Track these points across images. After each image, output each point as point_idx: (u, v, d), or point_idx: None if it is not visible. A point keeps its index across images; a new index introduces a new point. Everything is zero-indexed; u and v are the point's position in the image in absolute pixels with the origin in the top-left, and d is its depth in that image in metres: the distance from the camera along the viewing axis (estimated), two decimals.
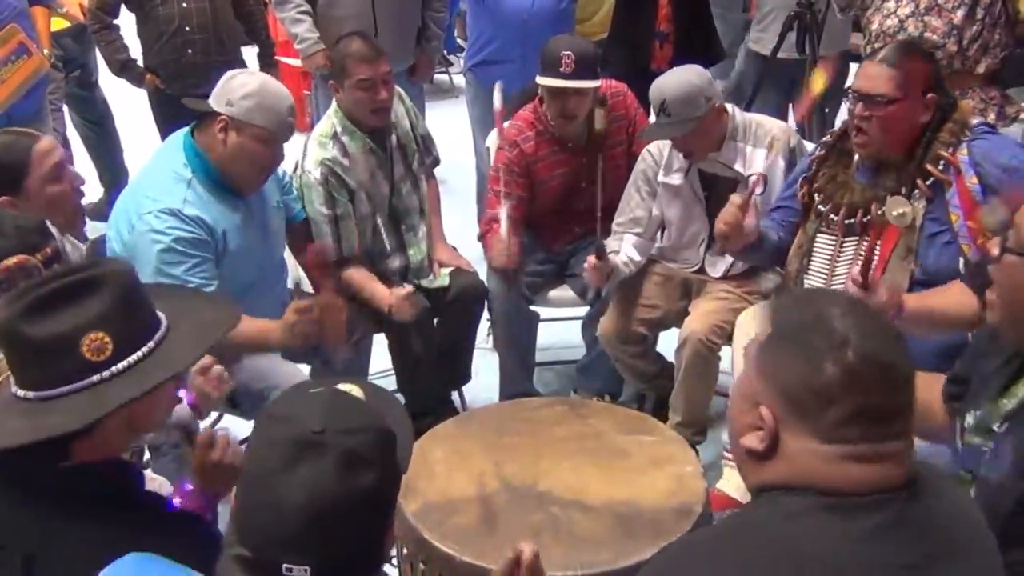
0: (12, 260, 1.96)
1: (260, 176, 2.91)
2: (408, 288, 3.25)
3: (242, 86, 2.80)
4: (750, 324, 3.06)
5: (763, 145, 3.17)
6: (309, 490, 1.33)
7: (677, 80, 3.09)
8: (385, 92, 3.25)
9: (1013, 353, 1.79)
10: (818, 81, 2.73)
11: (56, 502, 1.53)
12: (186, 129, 2.90)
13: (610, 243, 3.30)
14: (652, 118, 3.15)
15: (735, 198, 2.78)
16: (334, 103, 3.32)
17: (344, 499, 1.34)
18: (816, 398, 1.29)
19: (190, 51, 4.24)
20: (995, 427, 1.75)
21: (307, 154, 3.27)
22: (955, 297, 2.46)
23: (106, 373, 1.53)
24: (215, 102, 2.82)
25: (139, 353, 1.57)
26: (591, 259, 3.14)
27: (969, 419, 1.83)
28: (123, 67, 4.39)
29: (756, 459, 1.34)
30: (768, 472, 1.34)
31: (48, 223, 2.14)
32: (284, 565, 1.32)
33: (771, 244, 2.94)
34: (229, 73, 2.87)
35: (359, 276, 3.31)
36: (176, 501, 1.90)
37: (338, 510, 1.34)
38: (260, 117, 2.78)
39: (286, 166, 3.21)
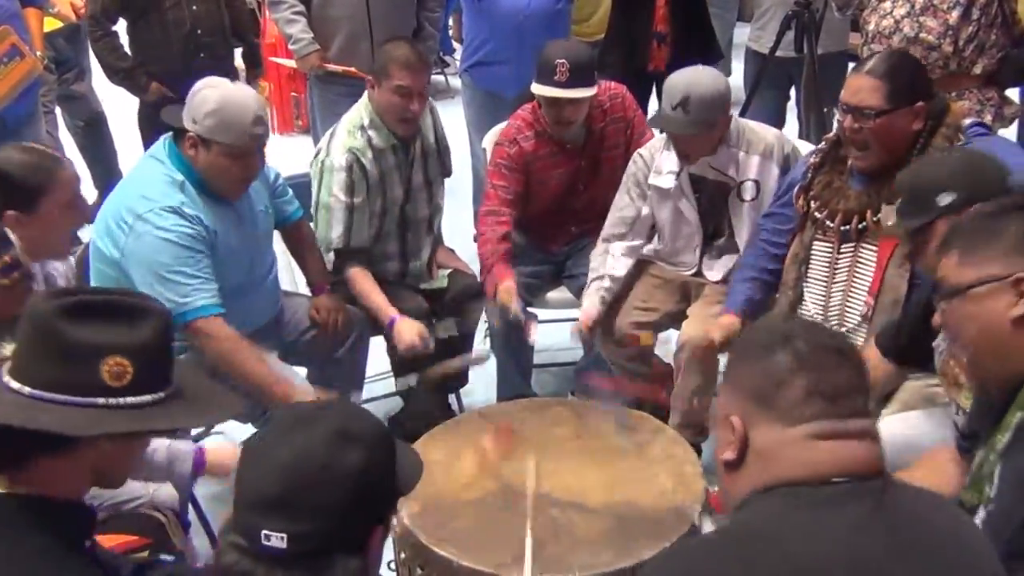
0: None
1: (240, 185, 2.90)
2: (421, 327, 3.20)
3: (203, 102, 2.77)
4: None
5: (756, 152, 3.16)
6: (295, 452, 1.39)
7: (707, 83, 3.05)
8: (418, 104, 3.24)
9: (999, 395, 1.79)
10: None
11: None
12: (166, 137, 2.88)
13: (594, 259, 3.30)
14: (664, 108, 3.11)
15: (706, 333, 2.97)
16: (365, 96, 3.31)
17: (328, 468, 1.37)
18: (771, 383, 1.38)
19: (202, 55, 4.19)
20: (987, 488, 1.74)
21: (334, 140, 3.26)
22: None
23: (112, 401, 1.50)
24: (185, 118, 2.81)
25: (149, 397, 1.53)
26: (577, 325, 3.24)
27: (973, 467, 1.83)
28: (126, 75, 4.29)
29: (732, 469, 1.41)
30: (745, 480, 1.39)
31: (8, 234, 2.09)
32: (263, 531, 1.35)
33: (754, 306, 3.00)
34: (195, 87, 2.83)
35: (364, 283, 3.28)
36: None
37: (320, 475, 1.37)
38: (223, 135, 2.76)
39: (293, 167, 3.19)
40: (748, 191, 3.18)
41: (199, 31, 4.22)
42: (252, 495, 1.39)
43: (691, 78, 3.06)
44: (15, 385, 1.50)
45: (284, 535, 1.35)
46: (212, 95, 2.78)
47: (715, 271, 3.31)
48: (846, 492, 1.33)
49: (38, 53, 4.12)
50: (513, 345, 3.61)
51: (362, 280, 3.28)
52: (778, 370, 1.38)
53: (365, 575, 1.43)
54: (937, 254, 1.81)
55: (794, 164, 3.14)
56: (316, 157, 3.30)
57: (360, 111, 3.29)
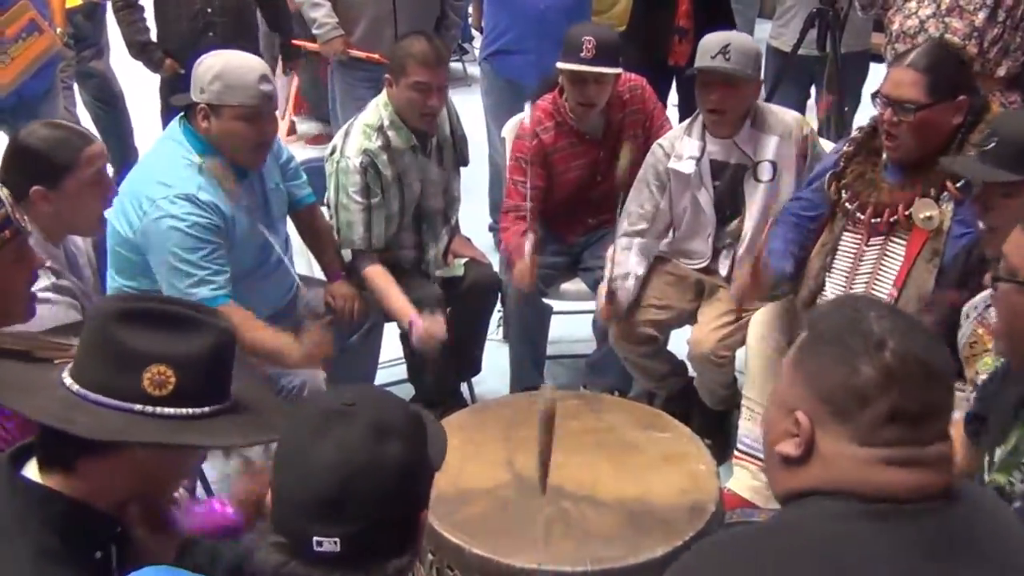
0: None
1: (257, 151, 2.89)
2: (440, 321, 3.17)
3: (208, 70, 2.78)
4: (764, 325, 3.05)
5: (775, 132, 3.16)
6: (339, 452, 1.35)
7: (743, 36, 3.15)
8: (437, 99, 3.22)
9: None
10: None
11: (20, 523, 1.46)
12: (180, 118, 2.89)
13: (618, 258, 3.26)
14: (702, 61, 3.08)
15: (747, 263, 2.87)
16: (384, 95, 3.29)
17: (373, 464, 1.35)
18: (853, 399, 1.27)
19: (211, 34, 4.20)
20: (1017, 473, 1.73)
21: (348, 141, 3.23)
22: None
23: (150, 409, 1.48)
24: (192, 91, 2.82)
25: (191, 410, 1.52)
26: (601, 295, 3.17)
27: (998, 452, 1.82)
28: (142, 49, 4.35)
29: (790, 465, 1.32)
30: (801, 478, 1.32)
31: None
32: (314, 538, 1.32)
33: (786, 277, 2.95)
34: (197, 62, 2.85)
35: (381, 280, 3.25)
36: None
37: (365, 473, 1.34)
38: (231, 96, 2.77)
39: (303, 152, 3.18)
40: (765, 172, 3.17)
41: (208, 10, 4.23)
42: (297, 501, 1.36)
43: (727, 33, 3.15)
44: (68, 382, 1.51)
45: (337, 540, 1.32)
46: (215, 62, 2.80)
47: (724, 266, 3.31)
48: (910, 512, 1.26)
49: (58, 30, 4.12)
50: (528, 335, 3.61)
51: (379, 279, 3.24)
52: (863, 384, 1.26)
53: (414, 565, 1.42)
54: (1021, 225, 1.71)
55: (814, 149, 3.13)
56: (331, 156, 3.28)
57: (379, 111, 3.26)
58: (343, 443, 1.36)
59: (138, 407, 1.48)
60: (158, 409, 1.49)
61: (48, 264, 2.37)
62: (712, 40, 3.09)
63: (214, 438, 1.55)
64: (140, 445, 1.48)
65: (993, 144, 2.21)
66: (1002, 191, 2.18)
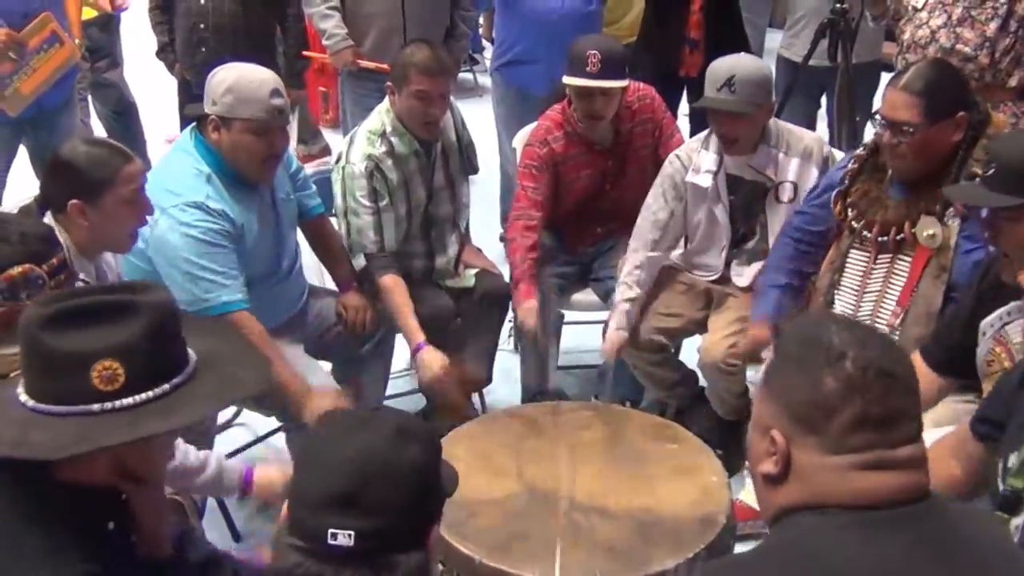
0: (17, 269, 1.92)
1: (267, 165, 2.89)
2: (445, 361, 3.16)
3: (220, 83, 2.80)
4: None
5: (796, 154, 3.16)
6: (359, 447, 1.41)
7: (750, 64, 3.11)
8: (439, 107, 3.23)
9: None
10: None
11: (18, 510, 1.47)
12: (191, 128, 2.91)
13: (629, 275, 3.27)
14: (708, 92, 3.10)
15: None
16: (386, 101, 3.30)
17: (393, 462, 1.40)
18: (819, 411, 1.32)
19: (203, 49, 4.26)
20: None
21: (353, 147, 3.25)
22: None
23: (108, 405, 1.45)
24: (205, 103, 2.84)
25: (148, 394, 1.49)
26: (610, 343, 3.23)
27: (1013, 458, 1.81)
28: (160, 50, 4.51)
29: (772, 483, 1.38)
30: (784, 495, 1.37)
31: (57, 235, 2.09)
32: (329, 531, 1.35)
33: (785, 308, 2.97)
34: (211, 73, 2.87)
35: (396, 296, 3.22)
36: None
37: (386, 470, 1.39)
38: (242, 109, 2.78)
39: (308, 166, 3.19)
40: (786, 192, 3.17)
41: (201, 25, 4.28)
42: (316, 494, 1.39)
43: (734, 60, 3.10)
44: (23, 398, 1.49)
45: (351, 532, 1.35)
46: (227, 74, 2.81)
47: (744, 277, 3.30)
48: (893, 517, 1.30)
49: (76, 40, 4.15)
50: (539, 345, 3.61)
51: (395, 293, 3.22)
52: (826, 396, 1.31)
53: (426, 571, 1.44)
54: None
55: (831, 168, 3.14)
56: (337, 163, 3.29)
57: (381, 117, 3.27)
58: (365, 441, 1.42)
59: (96, 407, 1.46)
60: (116, 403, 1.46)
61: (81, 277, 2.38)
62: (719, 70, 3.08)
63: (178, 417, 1.51)
64: (103, 449, 1.46)
65: (993, 170, 2.22)
66: (1007, 215, 2.18)
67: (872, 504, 1.30)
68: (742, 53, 3.19)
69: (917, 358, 2.43)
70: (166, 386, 1.50)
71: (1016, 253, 2.16)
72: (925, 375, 2.38)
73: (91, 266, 2.51)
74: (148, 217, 2.66)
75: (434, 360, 3.14)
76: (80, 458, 1.45)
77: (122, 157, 2.48)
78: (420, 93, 3.17)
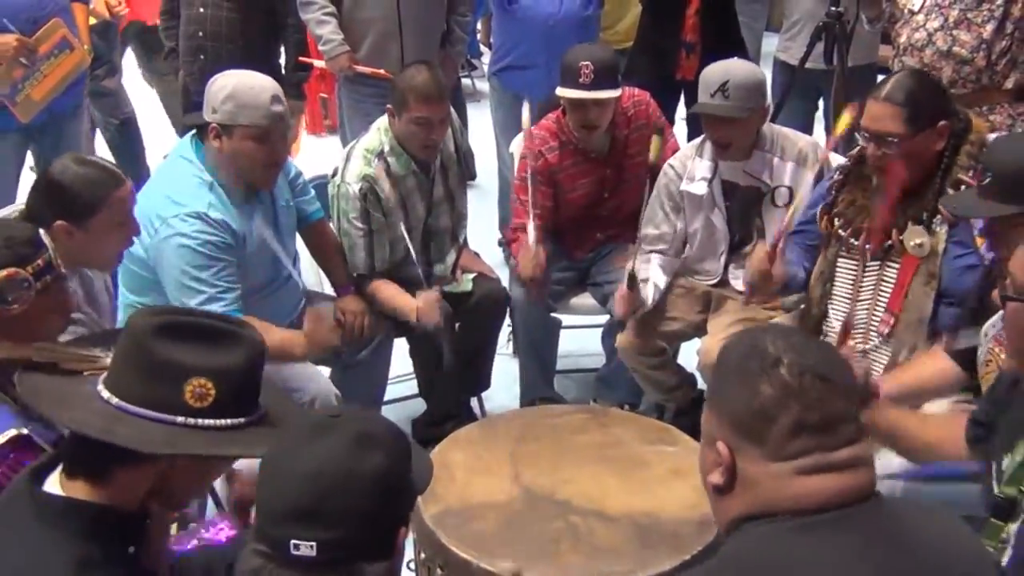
0: (2, 273, 1.92)
1: (269, 171, 2.90)
2: (436, 293, 3.21)
3: (219, 91, 2.80)
4: None
5: (791, 158, 3.16)
6: (319, 459, 1.38)
7: (744, 67, 3.11)
8: (439, 132, 3.23)
9: None
10: (843, 122, 2.77)
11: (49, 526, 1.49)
12: (192, 135, 2.92)
13: (639, 266, 3.25)
14: (702, 98, 3.11)
15: (762, 248, 2.79)
16: (384, 120, 3.30)
17: (353, 472, 1.38)
18: (758, 419, 1.33)
19: (202, 56, 4.26)
20: None
21: (349, 166, 3.24)
22: (930, 367, 2.46)
23: (191, 421, 1.52)
24: (205, 111, 2.84)
25: (230, 421, 1.56)
26: (622, 287, 3.14)
27: (1006, 461, 1.81)
28: (167, 54, 4.55)
29: (720, 494, 1.39)
30: (733, 505, 1.38)
31: (42, 237, 2.07)
32: (292, 541, 1.35)
33: (798, 282, 2.94)
34: (210, 81, 2.87)
35: (386, 290, 3.27)
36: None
37: (346, 482, 1.37)
38: (243, 116, 2.79)
39: (316, 168, 3.19)
40: (781, 197, 3.17)
41: (200, 33, 4.29)
42: (277, 507, 1.39)
43: (727, 65, 3.10)
44: (106, 395, 1.54)
45: (313, 543, 1.35)
46: (227, 82, 2.82)
47: (742, 281, 3.29)
48: (839, 519, 1.31)
49: (86, 46, 4.16)
50: (537, 349, 3.62)
51: (383, 288, 3.26)
52: (764, 404, 1.33)
53: (393, 574, 1.44)
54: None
55: (828, 172, 3.14)
56: (333, 179, 3.30)
57: (380, 136, 3.27)
58: (323, 452, 1.39)
59: (180, 419, 1.52)
60: (200, 421, 1.53)
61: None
62: (712, 75, 3.08)
63: (253, 447, 1.58)
64: (186, 457, 1.52)
65: (989, 179, 2.23)
66: (1006, 223, 2.19)
67: (817, 507, 1.31)
68: (735, 58, 3.19)
69: (939, 352, 2.45)
70: (243, 419, 1.58)
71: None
72: (949, 367, 2.41)
73: (76, 281, 2.50)
74: (150, 228, 2.68)
75: (427, 297, 3.16)
76: (144, 467, 1.51)
77: (114, 180, 2.44)
78: (420, 120, 3.17)
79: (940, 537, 1.38)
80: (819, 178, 3.11)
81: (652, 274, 3.29)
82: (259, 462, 1.45)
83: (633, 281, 3.14)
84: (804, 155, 3.17)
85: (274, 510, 1.39)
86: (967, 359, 2.40)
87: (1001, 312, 2.24)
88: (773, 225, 3.18)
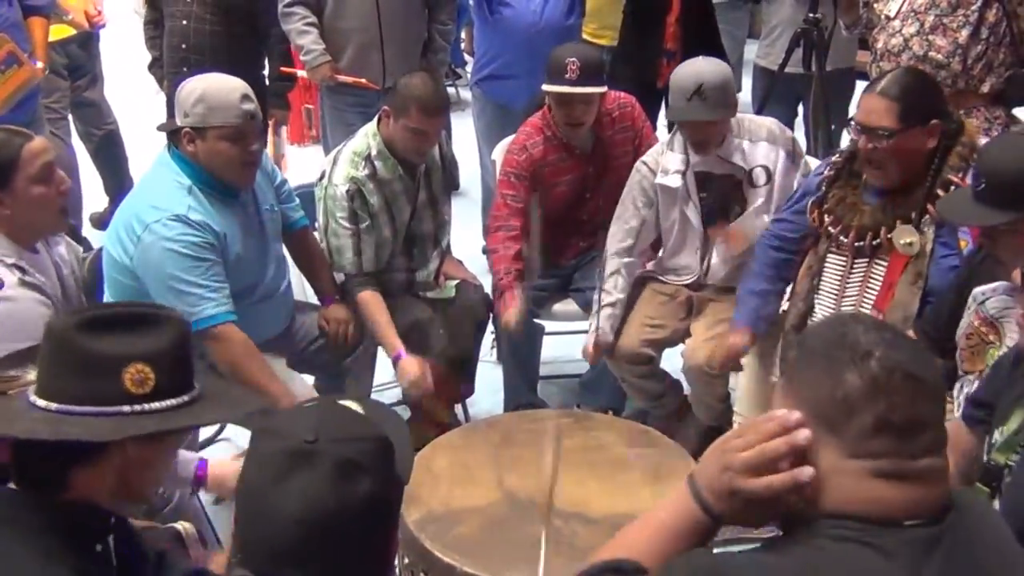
0: None
1: (245, 171, 2.90)
2: (425, 367, 3.18)
3: (190, 93, 2.81)
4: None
5: (760, 139, 3.21)
6: (304, 501, 1.32)
7: (713, 67, 3.13)
8: (431, 143, 3.26)
9: None
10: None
11: (19, 529, 1.49)
12: (167, 144, 2.92)
13: (607, 279, 3.29)
14: (677, 103, 3.14)
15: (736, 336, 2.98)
16: (372, 124, 3.30)
17: (341, 508, 1.33)
18: (840, 409, 1.26)
19: (185, 68, 4.25)
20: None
21: (337, 168, 3.25)
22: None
23: (137, 407, 1.53)
24: (176, 116, 2.85)
25: (173, 401, 1.56)
26: (588, 343, 3.21)
27: (996, 435, 1.83)
28: (151, 64, 4.58)
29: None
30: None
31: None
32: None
33: (767, 316, 3.01)
34: (180, 85, 2.89)
35: (373, 309, 3.24)
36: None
37: (335, 519, 1.33)
38: (215, 117, 2.80)
39: (299, 177, 3.19)
40: (760, 177, 3.21)
41: (183, 46, 4.30)
42: (265, 549, 1.34)
43: (698, 67, 3.13)
44: (42, 403, 1.53)
45: None
46: (196, 85, 2.83)
47: (718, 273, 3.34)
48: (909, 538, 1.24)
49: (39, 64, 4.14)
50: (520, 356, 3.62)
51: (372, 306, 3.24)
52: (848, 395, 1.25)
53: None
54: None
55: (797, 154, 3.21)
56: (320, 181, 3.31)
57: (367, 139, 3.27)
58: (307, 491, 1.32)
59: (126, 408, 1.52)
60: (145, 406, 1.53)
61: (12, 262, 2.40)
62: (684, 80, 3.10)
63: (199, 418, 1.61)
64: (136, 441, 1.52)
65: (984, 184, 2.23)
66: (1002, 227, 2.21)
67: (886, 517, 1.24)
68: (700, 57, 3.20)
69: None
70: (186, 397, 1.59)
71: (1011, 260, 2.18)
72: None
73: (35, 256, 2.52)
74: (133, 235, 2.67)
75: (413, 366, 3.15)
76: (100, 463, 1.52)
77: (21, 136, 2.48)
78: (417, 130, 3.17)
79: (1004, 556, 1.31)
80: (792, 157, 3.20)
81: (619, 291, 3.31)
82: (235, 494, 1.42)
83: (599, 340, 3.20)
84: (773, 133, 3.22)
85: (262, 551, 1.34)
86: (940, 345, 2.43)
87: (988, 286, 2.27)
88: (757, 204, 3.23)
